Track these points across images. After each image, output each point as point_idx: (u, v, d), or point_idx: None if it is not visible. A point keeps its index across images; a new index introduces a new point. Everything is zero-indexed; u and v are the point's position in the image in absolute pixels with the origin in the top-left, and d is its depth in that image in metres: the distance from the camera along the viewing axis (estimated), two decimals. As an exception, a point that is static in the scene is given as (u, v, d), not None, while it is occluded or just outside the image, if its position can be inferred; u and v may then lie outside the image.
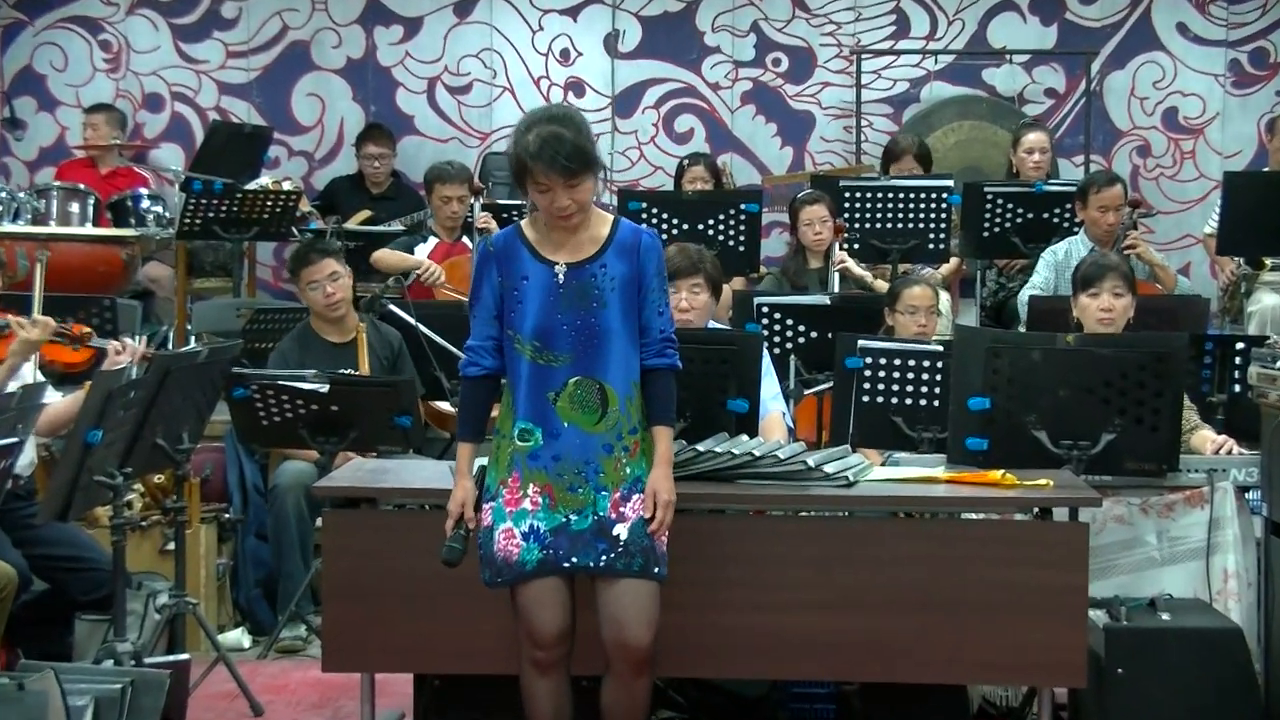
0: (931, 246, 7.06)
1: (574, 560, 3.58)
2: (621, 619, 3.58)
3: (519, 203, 8.08)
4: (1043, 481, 4.07)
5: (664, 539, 3.63)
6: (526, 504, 3.60)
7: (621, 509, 3.60)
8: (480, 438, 3.73)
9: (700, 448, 3.98)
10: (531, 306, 3.60)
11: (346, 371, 5.68)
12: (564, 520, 3.59)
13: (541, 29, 9.18)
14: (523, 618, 3.63)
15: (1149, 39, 9.09)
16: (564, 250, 3.63)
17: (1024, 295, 6.68)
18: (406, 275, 6.85)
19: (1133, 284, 5.13)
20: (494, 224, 7.21)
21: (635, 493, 3.62)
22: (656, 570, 3.60)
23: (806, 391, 5.74)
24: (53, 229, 7.29)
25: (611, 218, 3.70)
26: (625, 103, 9.18)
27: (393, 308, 6.02)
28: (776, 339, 5.90)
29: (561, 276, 3.61)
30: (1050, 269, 6.64)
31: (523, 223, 3.72)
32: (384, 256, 7.10)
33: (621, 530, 3.59)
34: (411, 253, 7.13)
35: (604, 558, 3.58)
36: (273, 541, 5.69)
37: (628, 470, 3.62)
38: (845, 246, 6.87)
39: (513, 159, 3.60)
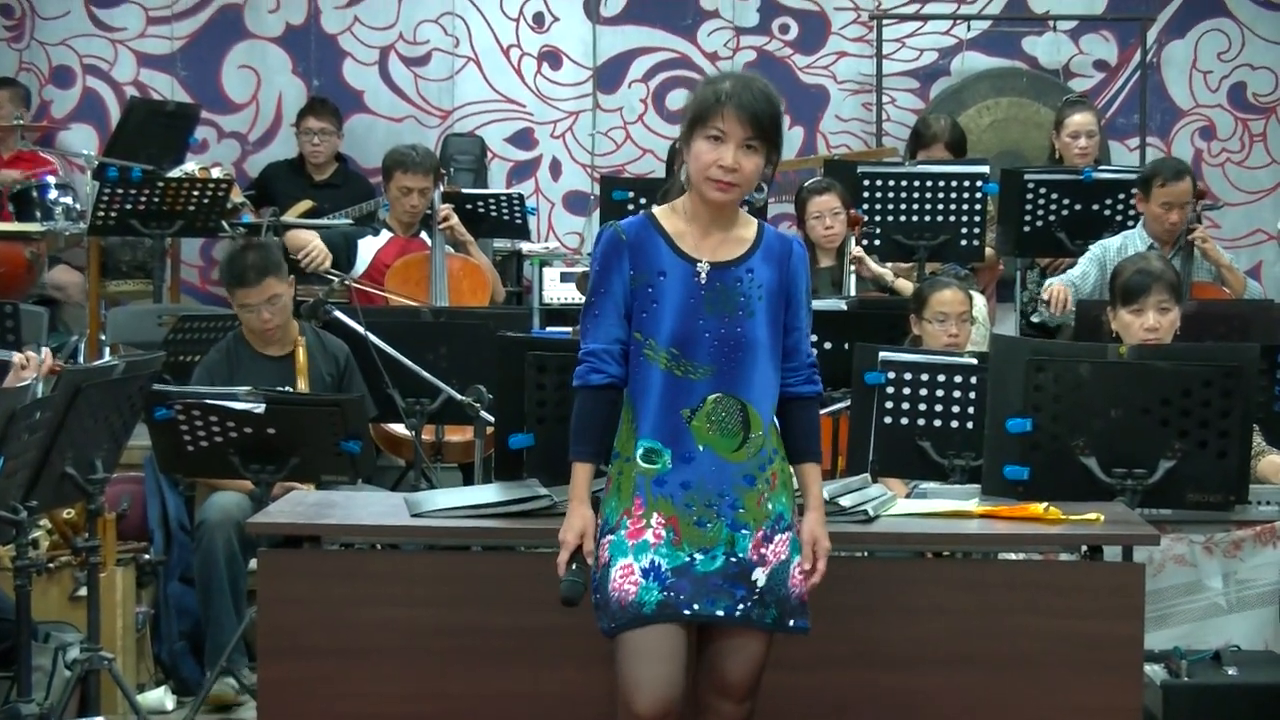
0: (964, 243, 7.08)
1: (696, 607, 3.54)
2: (728, 672, 3.58)
3: (485, 192, 8.11)
4: (1092, 516, 4.09)
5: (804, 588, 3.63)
6: (649, 536, 3.55)
7: (763, 550, 3.58)
8: (601, 458, 3.66)
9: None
10: (669, 307, 3.57)
11: (284, 389, 5.68)
12: (688, 559, 3.55)
13: (512, -10, 9.22)
14: (625, 674, 3.54)
15: (1213, 4, 9.14)
16: (706, 247, 3.62)
17: (1056, 279, 6.70)
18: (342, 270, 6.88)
19: (1179, 294, 5.15)
20: (455, 218, 7.23)
21: (778, 533, 3.59)
22: (793, 623, 3.59)
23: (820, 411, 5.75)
24: (-56, 224, 7.30)
25: (755, 220, 3.70)
26: (609, 76, 9.21)
27: (338, 314, 6.03)
28: (784, 350, 5.92)
29: (704, 276, 3.59)
30: (1097, 266, 6.64)
31: (656, 210, 3.69)
32: (290, 236, 7.11)
33: (760, 576, 3.57)
34: (355, 246, 7.13)
35: (741, 606, 3.55)
36: (199, 586, 5.68)
37: (770, 506, 3.60)
38: (863, 241, 6.89)
39: (697, 95, 3.61)
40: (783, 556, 3.60)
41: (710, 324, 3.57)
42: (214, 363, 5.88)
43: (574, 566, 3.58)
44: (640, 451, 3.58)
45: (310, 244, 6.99)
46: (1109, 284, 5.32)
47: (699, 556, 3.55)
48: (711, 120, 3.55)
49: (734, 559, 3.56)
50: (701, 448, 3.57)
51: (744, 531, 3.57)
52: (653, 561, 3.54)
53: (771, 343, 3.62)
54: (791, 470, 3.68)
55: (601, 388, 3.62)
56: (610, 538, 3.58)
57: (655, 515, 3.56)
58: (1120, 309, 5.11)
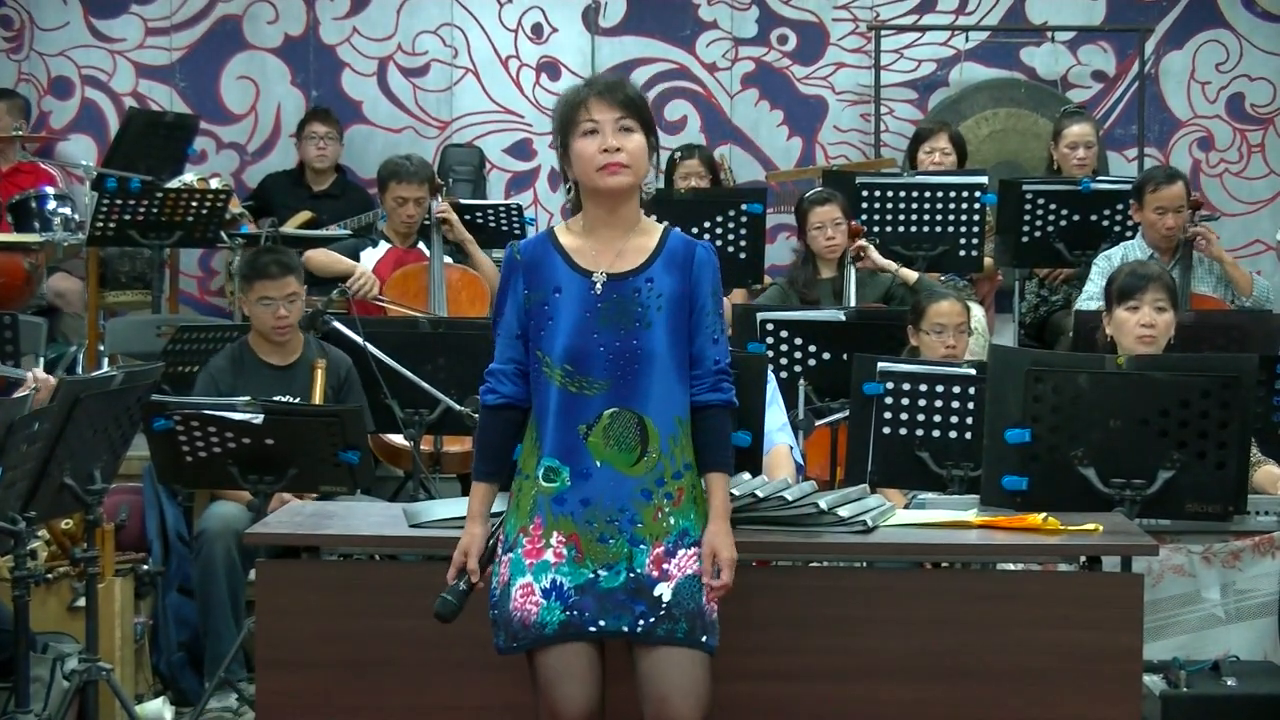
0: (963, 253, 7.10)
1: (602, 624, 3.54)
2: (666, 695, 3.53)
3: (482, 202, 8.12)
4: (1091, 526, 4.08)
5: (715, 605, 3.60)
6: (549, 555, 3.55)
7: (665, 565, 3.56)
8: (497, 478, 3.67)
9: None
10: (564, 324, 3.57)
11: (285, 399, 5.69)
12: (592, 576, 3.54)
13: (510, 1, 9.22)
14: (544, 693, 3.55)
15: (1211, 14, 9.15)
16: (604, 259, 3.61)
17: (1080, 308, 6.71)
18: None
19: (1176, 298, 5.16)
20: (454, 216, 7.25)
21: (682, 548, 3.58)
22: (705, 639, 3.56)
23: (818, 422, 5.76)
24: (-57, 234, 7.30)
25: (661, 227, 3.68)
26: (607, 87, 9.20)
27: (337, 324, 6.04)
28: (784, 360, 5.93)
29: (600, 288, 3.58)
30: (1105, 278, 6.66)
31: (557, 227, 3.70)
32: (316, 257, 7.12)
33: (665, 590, 3.55)
34: (357, 258, 7.15)
35: (641, 622, 3.53)
36: (199, 596, 5.68)
37: (672, 521, 3.58)
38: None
39: (559, 108, 3.63)
40: (689, 571, 3.57)
41: (605, 338, 3.56)
42: (219, 368, 5.90)
43: (460, 585, 3.59)
44: (541, 471, 3.58)
45: (360, 270, 7.01)
46: (1104, 289, 5.33)
47: (603, 573, 3.55)
48: (580, 117, 3.57)
49: (633, 574, 3.55)
50: (599, 463, 3.56)
51: (642, 546, 3.55)
52: (554, 581, 3.54)
53: (673, 353, 3.59)
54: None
55: (496, 408, 3.65)
56: (509, 555, 3.59)
57: (555, 534, 3.56)
58: (1116, 308, 5.10)
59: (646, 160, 3.61)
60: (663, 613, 3.54)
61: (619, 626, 3.54)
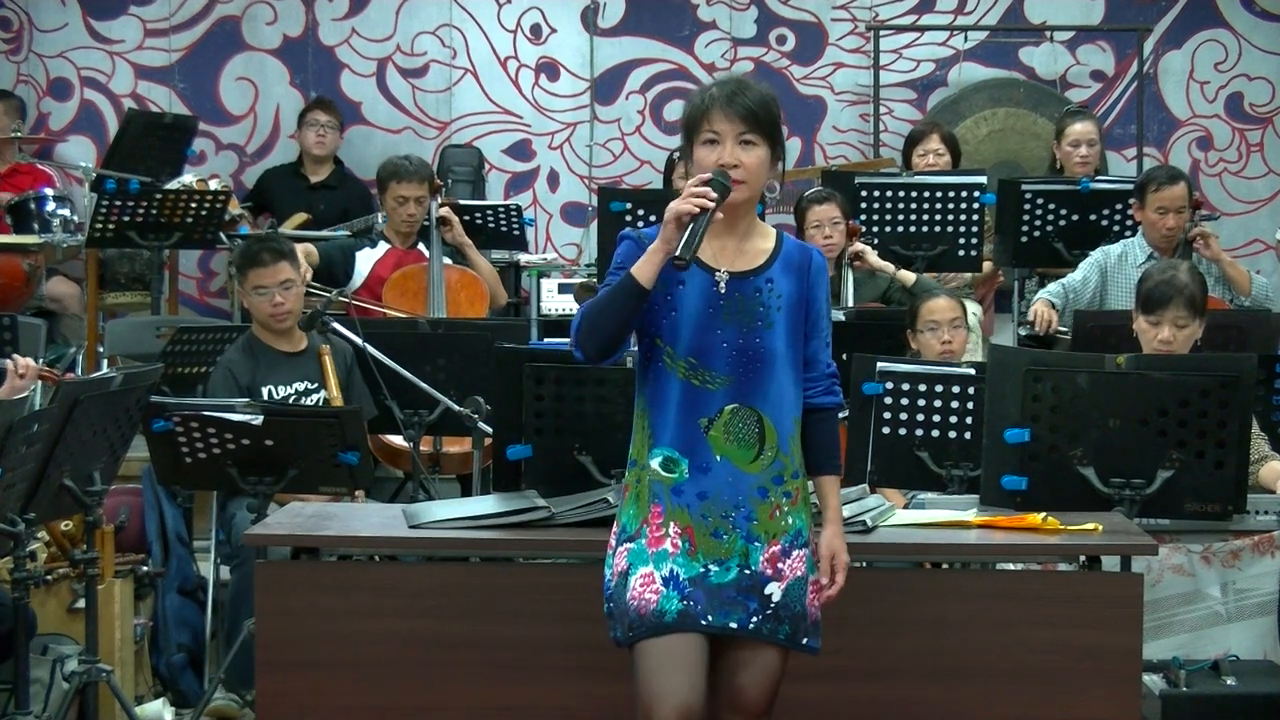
0: (962, 253, 7.10)
1: (711, 619, 3.53)
2: (743, 686, 3.56)
3: (483, 203, 8.12)
4: (1090, 526, 4.09)
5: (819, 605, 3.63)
6: (667, 545, 3.55)
7: (779, 565, 3.56)
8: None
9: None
10: (687, 317, 3.57)
11: (305, 385, 5.69)
12: (702, 570, 3.54)
13: (509, 1, 9.22)
14: (645, 683, 3.51)
15: (1210, 14, 9.17)
16: (725, 257, 3.62)
17: (1045, 291, 6.72)
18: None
19: (1201, 308, 5.14)
20: (455, 218, 7.25)
21: (796, 548, 3.59)
22: (805, 641, 3.58)
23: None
24: (-59, 236, 7.31)
25: (774, 230, 3.71)
26: (606, 87, 9.22)
27: (336, 325, 6.04)
28: (782, 361, 5.92)
29: (723, 286, 3.59)
30: (1097, 270, 6.67)
31: None
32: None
33: (775, 590, 3.55)
34: (353, 259, 7.15)
35: (754, 619, 3.54)
36: (234, 595, 5.65)
37: (789, 520, 3.59)
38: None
39: (686, 109, 3.63)
40: (799, 573, 3.58)
41: (728, 334, 3.57)
42: (234, 361, 5.88)
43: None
44: (659, 460, 3.57)
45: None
46: (1135, 287, 5.33)
47: (714, 568, 3.54)
48: (703, 125, 3.57)
49: (747, 571, 3.54)
50: (719, 458, 3.55)
51: (756, 544, 3.55)
52: (672, 570, 3.53)
53: (791, 355, 3.61)
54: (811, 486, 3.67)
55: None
56: (630, 545, 3.57)
57: (673, 524, 3.55)
58: (1140, 315, 5.13)
59: (766, 172, 3.60)
60: (769, 612, 3.55)
61: (727, 623, 3.53)
